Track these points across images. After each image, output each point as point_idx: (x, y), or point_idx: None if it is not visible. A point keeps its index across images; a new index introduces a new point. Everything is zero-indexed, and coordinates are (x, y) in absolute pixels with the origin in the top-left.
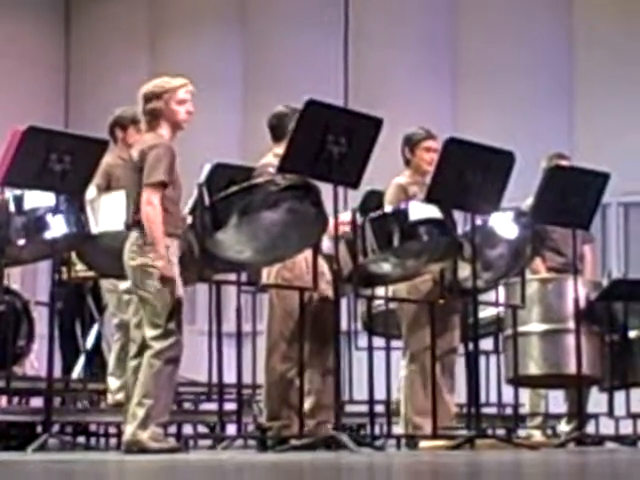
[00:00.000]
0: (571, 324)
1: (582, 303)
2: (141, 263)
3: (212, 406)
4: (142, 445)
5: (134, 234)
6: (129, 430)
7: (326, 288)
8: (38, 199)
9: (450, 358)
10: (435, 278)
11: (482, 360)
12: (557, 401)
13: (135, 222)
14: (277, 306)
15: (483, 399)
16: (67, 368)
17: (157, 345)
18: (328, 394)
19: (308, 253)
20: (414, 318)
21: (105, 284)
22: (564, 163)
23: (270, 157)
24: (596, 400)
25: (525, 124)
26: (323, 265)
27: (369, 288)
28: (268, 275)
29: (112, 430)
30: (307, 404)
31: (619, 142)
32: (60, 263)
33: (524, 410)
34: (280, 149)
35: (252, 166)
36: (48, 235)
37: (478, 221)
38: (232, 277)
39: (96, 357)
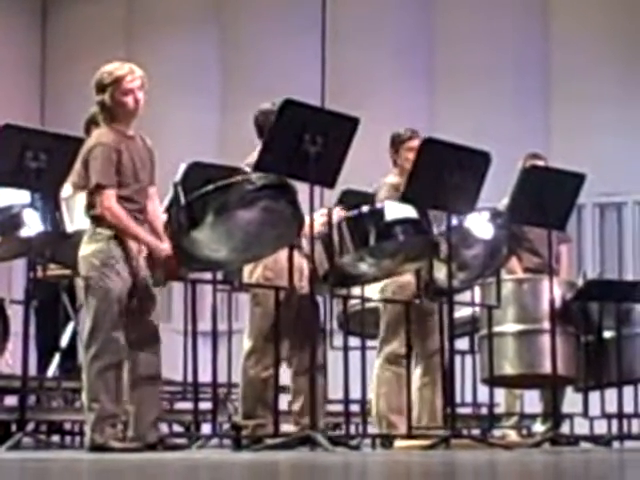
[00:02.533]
0: (546, 324)
1: (557, 303)
2: (83, 254)
3: (187, 405)
4: (104, 447)
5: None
6: (87, 435)
7: (304, 286)
8: (13, 197)
9: (436, 360)
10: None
11: (457, 360)
12: (532, 401)
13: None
14: (257, 305)
15: (458, 399)
16: (43, 366)
17: (92, 344)
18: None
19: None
20: (396, 318)
21: (79, 282)
22: (540, 163)
23: (255, 155)
24: (571, 400)
25: (501, 124)
26: (302, 263)
27: (345, 288)
28: (250, 274)
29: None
30: (297, 405)
31: (595, 143)
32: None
33: (499, 410)
34: None
35: (229, 165)
36: (23, 233)
37: (454, 221)
38: (208, 276)
39: (71, 356)
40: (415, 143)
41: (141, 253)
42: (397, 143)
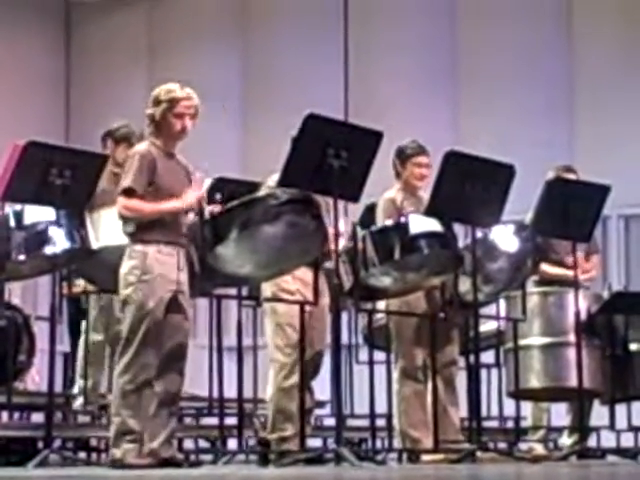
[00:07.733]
0: (572, 337)
1: (583, 316)
2: (121, 272)
3: (213, 421)
4: (121, 462)
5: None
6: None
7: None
8: (38, 214)
9: (450, 371)
10: (429, 292)
11: (483, 373)
12: (559, 414)
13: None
14: (268, 319)
15: (484, 412)
16: (69, 382)
17: (122, 359)
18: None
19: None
20: (404, 333)
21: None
22: (570, 176)
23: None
24: (597, 413)
25: (526, 134)
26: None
27: (370, 302)
28: (264, 290)
29: None
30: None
31: (620, 153)
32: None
33: (525, 423)
34: None
35: (252, 180)
36: (48, 250)
37: (479, 234)
38: (233, 291)
39: None
40: (422, 159)
41: (182, 270)
42: (405, 157)
